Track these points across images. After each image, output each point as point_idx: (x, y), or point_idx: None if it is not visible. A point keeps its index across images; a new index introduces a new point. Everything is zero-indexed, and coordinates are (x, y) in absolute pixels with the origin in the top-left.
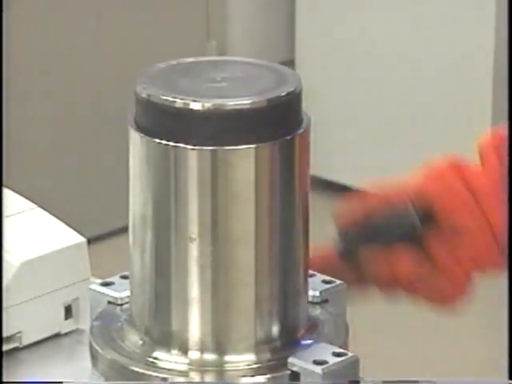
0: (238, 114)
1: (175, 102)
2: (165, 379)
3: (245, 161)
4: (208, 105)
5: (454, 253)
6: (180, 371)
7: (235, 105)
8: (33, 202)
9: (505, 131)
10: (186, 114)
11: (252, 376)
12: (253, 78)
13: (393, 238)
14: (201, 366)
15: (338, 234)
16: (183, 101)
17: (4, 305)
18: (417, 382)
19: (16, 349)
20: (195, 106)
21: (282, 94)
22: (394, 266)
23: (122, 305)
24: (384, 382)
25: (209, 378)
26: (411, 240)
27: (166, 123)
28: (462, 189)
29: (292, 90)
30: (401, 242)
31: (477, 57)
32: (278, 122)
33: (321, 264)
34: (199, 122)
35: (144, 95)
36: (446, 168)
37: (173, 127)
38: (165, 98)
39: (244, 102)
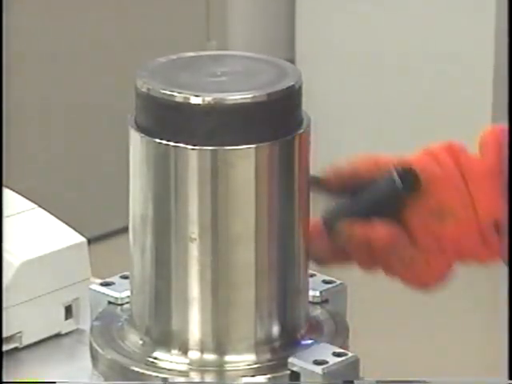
0: (239, 109)
1: (175, 96)
2: (165, 379)
3: (245, 161)
4: (208, 99)
5: (437, 238)
6: (180, 371)
7: (236, 99)
8: (33, 202)
9: (506, 126)
10: (187, 108)
11: (252, 376)
12: (253, 72)
13: (374, 204)
14: (201, 366)
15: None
16: (183, 95)
17: (4, 305)
18: (410, 382)
19: (16, 349)
20: (195, 100)
21: (283, 88)
22: (370, 234)
23: (122, 305)
24: (378, 381)
25: (209, 378)
26: (393, 207)
27: (166, 117)
28: (453, 169)
29: (292, 84)
30: (382, 208)
31: (477, 57)
32: (279, 117)
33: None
34: (199, 117)
35: (144, 89)
36: (440, 148)
37: (173, 121)
38: (165, 92)
39: (244, 97)
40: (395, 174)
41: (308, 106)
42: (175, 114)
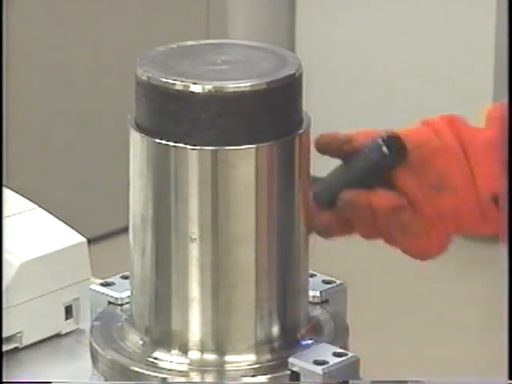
0: (239, 97)
1: (176, 84)
2: (165, 379)
3: (245, 161)
4: (208, 87)
5: (436, 208)
6: (180, 371)
7: (236, 87)
8: (33, 202)
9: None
10: (187, 96)
11: (252, 376)
12: (253, 60)
13: (362, 172)
14: (201, 366)
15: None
16: (184, 83)
17: (4, 305)
18: (405, 381)
19: (16, 349)
20: (196, 88)
21: (283, 77)
22: (373, 200)
23: (122, 305)
24: (373, 381)
25: (209, 378)
26: (381, 174)
27: (166, 106)
28: (453, 141)
29: (293, 72)
30: (371, 175)
31: (477, 56)
32: (279, 105)
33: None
34: (200, 105)
35: (144, 78)
36: (440, 120)
37: (173, 110)
38: (165, 80)
39: (245, 85)
40: (381, 141)
41: (308, 105)
42: (175, 103)
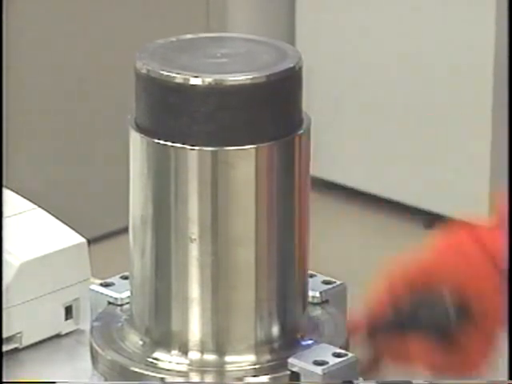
0: (239, 90)
1: (175, 77)
2: (165, 380)
3: (245, 161)
4: (208, 80)
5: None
6: (180, 372)
7: (236, 80)
8: (33, 202)
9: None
10: (186, 89)
11: (252, 376)
12: (253, 54)
13: (422, 327)
14: (201, 367)
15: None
16: (183, 76)
17: (4, 305)
18: (410, 382)
19: (16, 349)
20: (195, 81)
21: (283, 70)
22: (406, 349)
23: (122, 305)
24: (377, 382)
25: (209, 378)
26: (441, 332)
27: (166, 99)
28: (489, 269)
29: (292, 65)
30: (430, 333)
31: (477, 57)
32: (279, 98)
33: (351, 328)
34: (199, 98)
35: (144, 71)
36: (468, 241)
37: (173, 103)
38: (165, 73)
39: (244, 78)
40: (450, 307)
41: (308, 105)
42: (175, 96)
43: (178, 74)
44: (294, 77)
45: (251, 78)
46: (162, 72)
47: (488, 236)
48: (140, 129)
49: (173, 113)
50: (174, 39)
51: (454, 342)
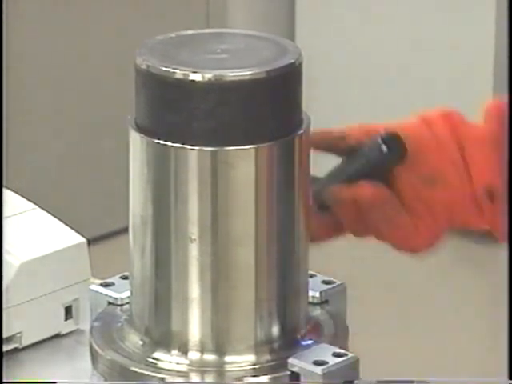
0: (239, 85)
1: (175, 72)
2: (165, 380)
3: (245, 161)
4: (208, 76)
5: (427, 204)
6: (180, 372)
7: (236, 76)
8: (33, 202)
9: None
10: (186, 85)
11: (252, 376)
12: (253, 49)
13: (361, 171)
14: (201, 367)
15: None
16: (183, 72)
17: (4, 305)
18: (412, 381)
19: (16, 349)
20: (195, 76)
21: (283, 65)
22: (356, 193)
23: (122, 305)
24: (379, 381)
25: (209, 378)
26: (380, 174)
27: (165, 95)
28: (448, 136)
29: (292, 61)
30: (369, 174)
31: (477, 56)
32: (279, 94)
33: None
34: (199, 94)
35: (143, 67)
36: (437, 116)
37: (172, 99)
38: (165, 69)
39: (244, 73)
40: (381, 140)
41: (308, 105)
42: (175, 91)
43: (178, 69)
44: (294, 73)
45: (251, 74)
46: (161, 68)
47: (463, 126)
48: (140, 129)
49: (172, 109)
50: (173, 35)
51: (393, 189)
